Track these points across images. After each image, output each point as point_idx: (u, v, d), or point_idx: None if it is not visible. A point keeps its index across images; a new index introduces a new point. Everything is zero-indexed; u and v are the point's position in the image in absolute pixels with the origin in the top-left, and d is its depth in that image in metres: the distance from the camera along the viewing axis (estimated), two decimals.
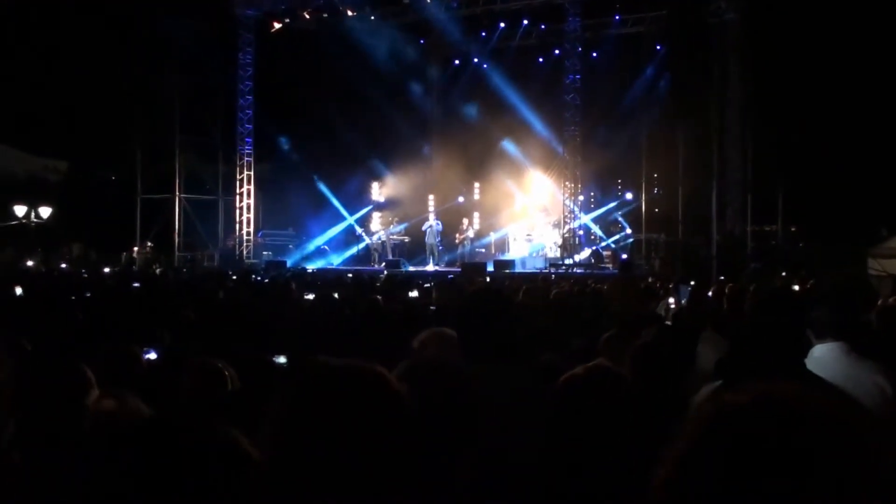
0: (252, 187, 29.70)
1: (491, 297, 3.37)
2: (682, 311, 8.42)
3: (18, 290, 11.36)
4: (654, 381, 3.51)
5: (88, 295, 11.40)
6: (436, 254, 27.18)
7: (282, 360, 4.86)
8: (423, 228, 27.73)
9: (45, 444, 1.93)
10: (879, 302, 7.41)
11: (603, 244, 27.79)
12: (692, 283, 15.57)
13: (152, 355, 5.14)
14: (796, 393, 1.11)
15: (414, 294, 11.24)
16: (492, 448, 2.09)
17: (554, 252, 26.28)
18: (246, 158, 29.52)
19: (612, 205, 29.42)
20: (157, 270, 19.76)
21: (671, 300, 10.36)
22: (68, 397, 2.41)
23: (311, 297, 10.17)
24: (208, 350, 4.54)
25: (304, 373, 1.67)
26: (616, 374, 2.60)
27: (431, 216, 28.75)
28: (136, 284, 13.95)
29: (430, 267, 26.09)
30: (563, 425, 2.44)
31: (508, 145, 29.34)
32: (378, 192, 31.53)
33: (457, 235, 28.34)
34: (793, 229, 24.02)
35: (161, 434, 1.40)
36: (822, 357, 3.89)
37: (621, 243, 27.43)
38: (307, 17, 28.30)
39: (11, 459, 1.53)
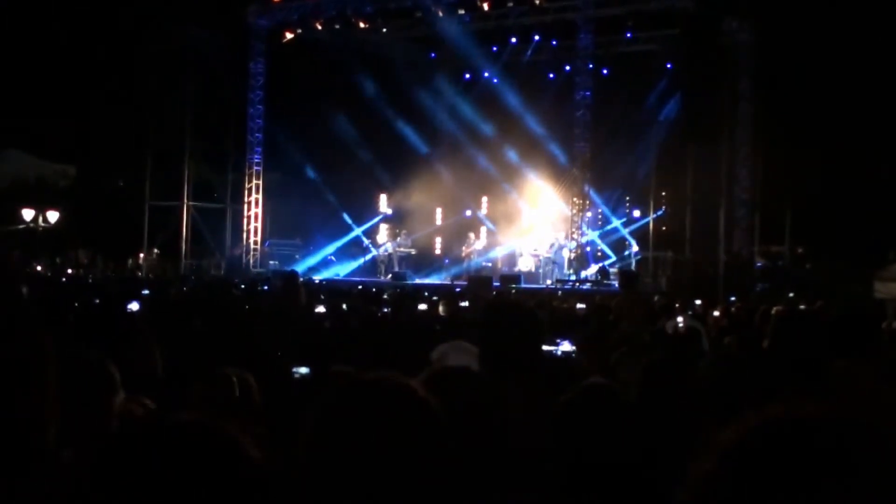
0: (260, 196, 29.73)
1: (514, 310, 3.35)
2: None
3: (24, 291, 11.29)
4: (663, 401, 3.50)
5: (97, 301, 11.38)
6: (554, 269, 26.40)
7: (303, 370, 4.83)
8: (552, 244, 26.94)
9: (78, 443, 1.92)
10: (884, 325, 7.42)
11: (609, 261, 27.72)
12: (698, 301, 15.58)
13: None
14: (830, 411, 1.11)
15: (423, 307, 11.21)
16: (517, 460, 2.10)
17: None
18: (255, 167, 29.54)
19: (619, 222, 29.39)
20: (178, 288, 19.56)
21: (680, 319, 10.30)
22: (96, 396, 2.38)
23: (321, 309, 10.09)
24: (221, 359, 4.53)
25: (334, 386, 1.67)
26: (612, 391, 2.60)
27: (562, 236, 26.95)
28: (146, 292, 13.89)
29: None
30: (566, 445, 2.45)
31: (517, 160, 29.29)
32: (386, 203, 31.56)
33: (463, 249, 28.34)
34: (799, 251, 23.98)
35: (160, 433, 1.37)
36: None
37: (628, 261, 27.36)
38: (319, 27, 28.37)
39: (62, 458, 1.52)
